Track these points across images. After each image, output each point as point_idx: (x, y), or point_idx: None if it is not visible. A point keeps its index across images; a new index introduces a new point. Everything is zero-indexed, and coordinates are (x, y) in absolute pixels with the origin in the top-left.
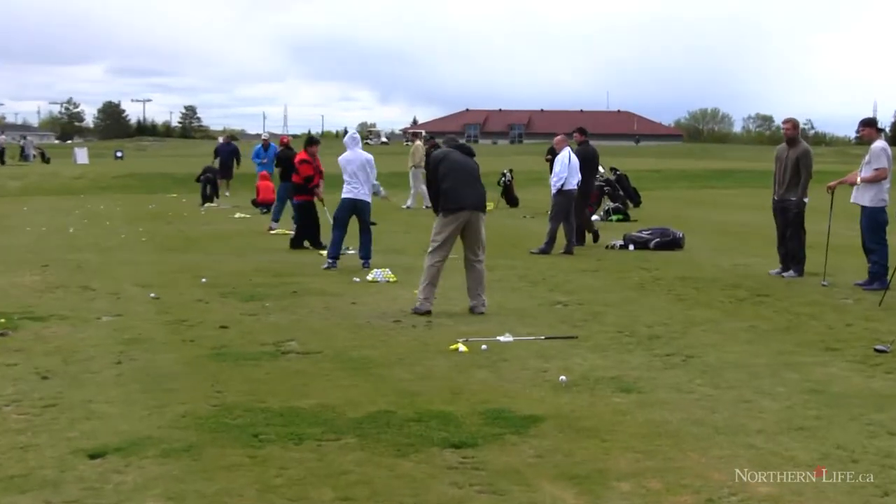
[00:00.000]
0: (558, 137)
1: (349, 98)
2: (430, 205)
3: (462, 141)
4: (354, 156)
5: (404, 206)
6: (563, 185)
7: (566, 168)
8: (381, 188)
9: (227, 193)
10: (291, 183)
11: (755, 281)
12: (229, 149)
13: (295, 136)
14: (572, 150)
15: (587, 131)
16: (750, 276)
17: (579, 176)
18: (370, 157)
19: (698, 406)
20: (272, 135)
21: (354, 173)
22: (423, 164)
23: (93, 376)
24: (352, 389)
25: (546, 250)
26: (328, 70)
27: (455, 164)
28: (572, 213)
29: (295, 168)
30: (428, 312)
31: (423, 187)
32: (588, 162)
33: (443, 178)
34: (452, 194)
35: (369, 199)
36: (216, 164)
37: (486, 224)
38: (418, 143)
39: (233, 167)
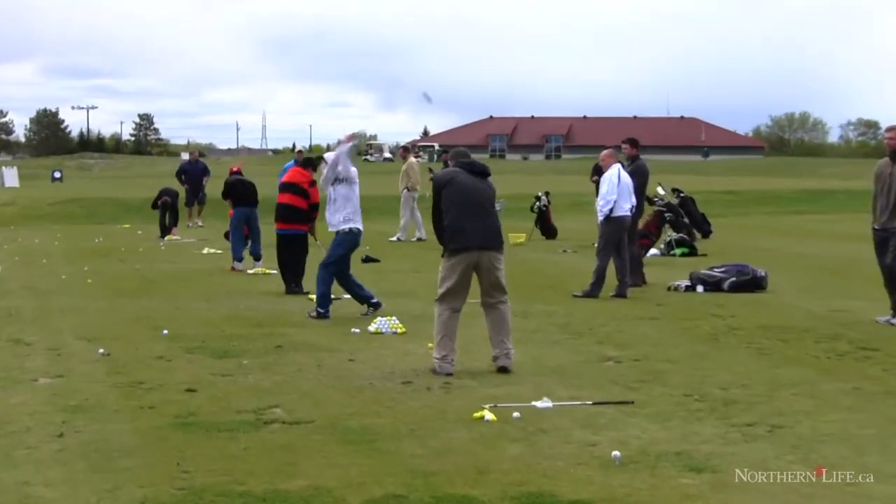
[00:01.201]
0: (606, 152)
1: (342, 103)
2: (422, 236)
3: (472, 158)
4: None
5: (392, 239)
6: (611, 211)
7: (614, 189)
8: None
9: (200, 223)
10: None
11: (859, 331)
12: (198, 167)
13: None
14: (623, 166)
15: (638, 143)
16: (852, 325)
17: (634, 199)
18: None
19: (789, 490)
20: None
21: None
22: (418, 185)
23: (28, 452)
24: (351, 468)
25: (593, 293)
26: (314, 69)
27: (461, 191)
28: (625, 245)
29: (247, 193)
30: (449, 374)
31: (419, 215)
32: (639, 182)
33: (446, 210)
34: (456, 230)
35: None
36: (184, 188)
37: (508, 262)
38: (412, 159)
39: (202, 190)
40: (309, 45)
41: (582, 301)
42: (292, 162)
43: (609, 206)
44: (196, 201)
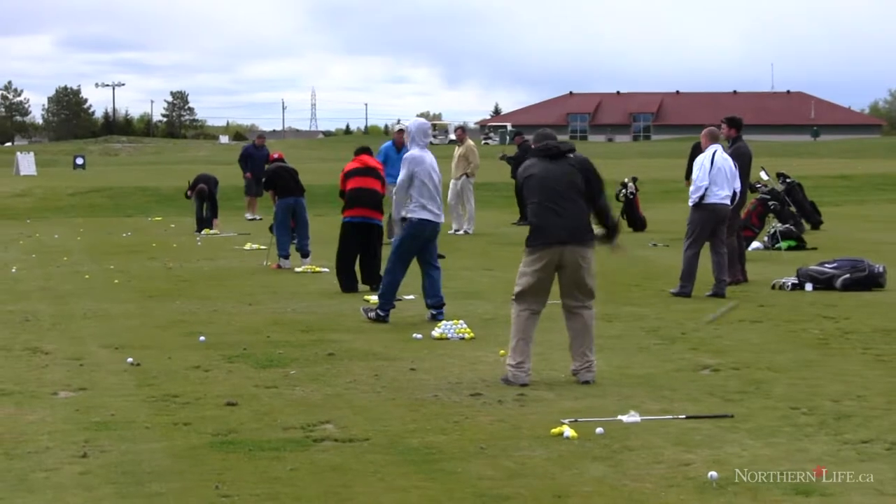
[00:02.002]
0: (704, 132)
1: (401, 79)
2: (465, 229)
3: (548, 140)
4: (424, 156)
5: (452, 231)
6: (702, 197)
7: (706, 174)
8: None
9: (258, 217)
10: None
11: None
12: (263, 153)
13: (328, 134)
14: (724, 147)
15: (741, 122)
16: None
17: (736, 185)
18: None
19: None
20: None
21: (424, 183)
22: (475, 172)
23: (47, 476)
24: (412, 492)
25: (683, 291)
26: (370, 39)
27: (536, 184)
28: (720, 238)
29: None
30: (524, 385)
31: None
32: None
33: (528, 205)
34: (535, 225)
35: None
36: (245, 175)
37: (595, 258)
38: (470, 142)
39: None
40: (364, 11)
41: (674, 302)
42: (390, 143)
43: (699, 193)
44: (256, 192)
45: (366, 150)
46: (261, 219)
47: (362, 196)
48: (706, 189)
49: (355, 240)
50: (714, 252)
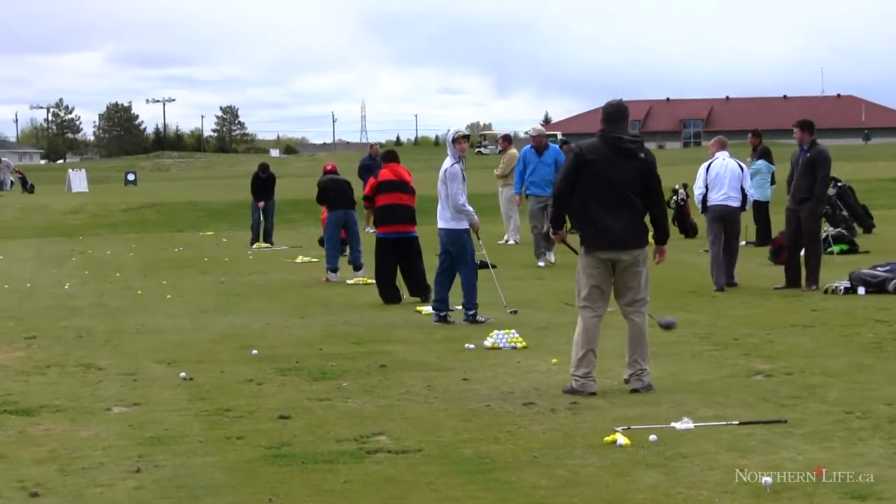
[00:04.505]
0: (716, 139)
1: (452, 89)
2: (515, 239)
3: (619, 125)
4: (442, 166)
5: (502, 242)
6: (705, 202)
7: (700, 180)
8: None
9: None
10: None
11: None
12: (380, 164)
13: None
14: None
15: (812, 125)
16: None
17: (746, 188)
18: (452, 167)
19: None
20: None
21: (439, 191)
22: (502, 175)
23: (101, 491)
24: (466, 502)
25: (717, 286)
26: (421, 51)
27: (596, 177)
28: (729, 237)
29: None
30: (592, 394)
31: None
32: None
33: (579, 193)
34: (588, 222)
35: (451, 227)
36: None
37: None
38: (513, 151)
39: None
40: (415, 23)
41: (726, 308)
42: (528, 147)
43: (699, 199)
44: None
45: (394, 157)
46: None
47: (396, 212)
48: (706, 193)
49: (391, 254)
50: (724, 251)
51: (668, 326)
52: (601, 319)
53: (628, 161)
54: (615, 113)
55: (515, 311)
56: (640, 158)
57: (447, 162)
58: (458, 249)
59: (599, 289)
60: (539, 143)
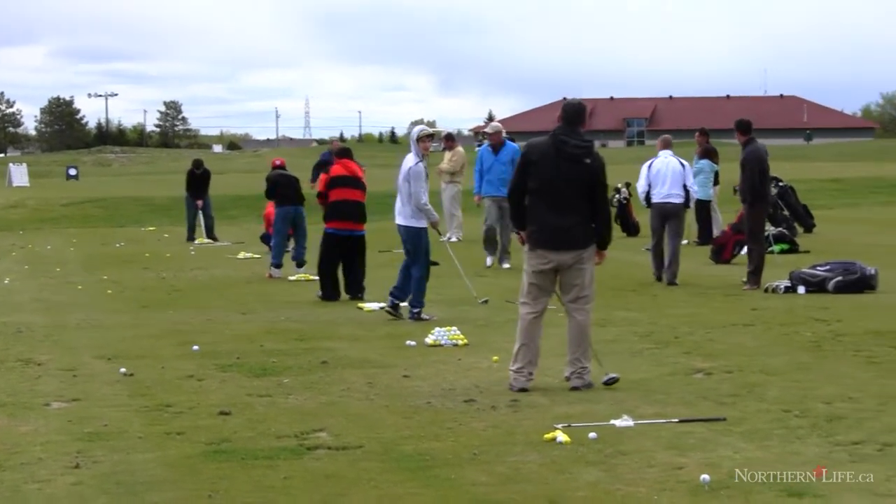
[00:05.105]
0: (661, 138)
1: (397, 86)
2: (458, 236)
3: (581, 123)
4: (404, 163)
5: (444, 239)
6: (648, 198)
7: (642, 178)
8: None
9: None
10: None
11: None
12: None
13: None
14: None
15: (747, 125)
16: None
17: (689, 186)
18: (416, 166)
19: None
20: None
21: (399, 187)
22: (445, 172)
23: (40, 487)
24: (406, 499)
25: (656, 275)
26: (365, 49)
27: (543, 173)
28: (670, 233)
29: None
30: (523, 390)
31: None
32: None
33: (529, 192)
34: (532, 221)
35: (410, 224)
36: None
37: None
38: (459, 148)
39: None
40: (360, 21)
41: (667, 306)
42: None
43: (642, 196)
44: None
45: (347, 154)
46: None
47: (347, 209)
48: (649, 190)
49: (337, 250)
50: (667, 245)
51: (610, 383)
52: (540, 317)
53: (573, 165)
54: (571, 114)
55: (486, 301)
56: (584, 164)
57: (411, 160)
58: (414, 247)
59: (539, 287)
60: (496, 141)
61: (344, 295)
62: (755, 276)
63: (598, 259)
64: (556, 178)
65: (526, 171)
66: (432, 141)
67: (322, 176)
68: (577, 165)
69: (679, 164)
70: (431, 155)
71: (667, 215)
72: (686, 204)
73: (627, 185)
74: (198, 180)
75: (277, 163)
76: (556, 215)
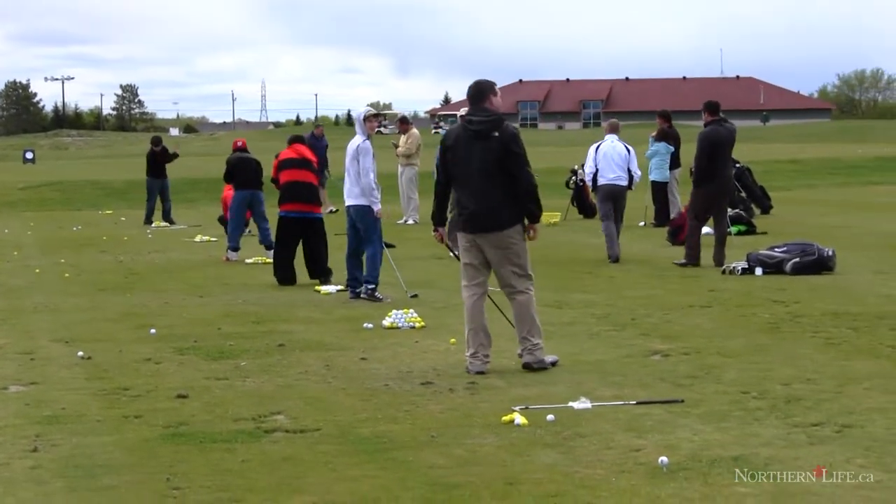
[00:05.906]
0: (607, 122)
1: (352, 69)
2: (415, 219)
3: (478, 107)
4: (350, 143)
5: (401, 222)
6: (595, 181)
7: (590, 160)
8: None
9: (333, 208)
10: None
11: None
12: (323, 144)
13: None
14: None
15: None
16: None
17: (632, 169)
18: (364, 143)
19: (861, 498)
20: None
21: (347, 169)
22: (402, 154)
23: None
24: (363, 482)
25: (609, 255)
26: (321, 32)
27: (457, 156)
28: (618, 212)
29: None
30: (480, 373)
31: (417, 195)
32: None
33: (451, 178)
34: (456, 204)
35: (360, 203)
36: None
37: (541, 245)
38: (414, 131)
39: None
40: (316, 4)
41: (625, 288)
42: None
43: (589, 179)
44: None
45: (300, 139)
46: (335, 210)
47: (298, 190)
48: (596, 173)
49: (293, 234)
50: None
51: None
52: (482, 298)
53: (482, 142)
54: (474, 93)
55: (416, 295)
56: (493, 137)
57: (358, 139)
58: (365, 225)
59: (473, 266)
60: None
61: (303, 278)
62: (692, 253)
63: (533, 234)
64: (470, 157)
65: (445, 157)
66: (377, 121)
67: (274, 161)
68: (486, 141)
69: (624, 149)
70: (386, 137)
71: (613, 196)
72: (629, 186)
73: (583, 167)
74: (158, 157)
75: (239, 143)
76: (473, 198)
